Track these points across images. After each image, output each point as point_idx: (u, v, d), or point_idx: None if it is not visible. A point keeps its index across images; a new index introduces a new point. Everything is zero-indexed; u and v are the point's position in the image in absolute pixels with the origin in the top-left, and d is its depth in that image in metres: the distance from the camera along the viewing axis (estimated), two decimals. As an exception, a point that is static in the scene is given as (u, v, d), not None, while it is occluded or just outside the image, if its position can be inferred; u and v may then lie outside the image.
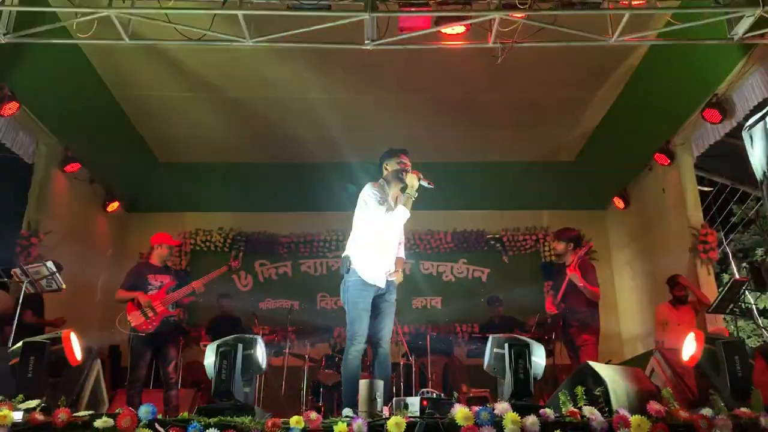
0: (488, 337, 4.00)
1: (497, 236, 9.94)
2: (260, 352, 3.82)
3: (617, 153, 8.41)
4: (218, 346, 3.67)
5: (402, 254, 4.70)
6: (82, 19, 4.94)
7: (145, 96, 7.47)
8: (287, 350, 7.34)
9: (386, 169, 4.62)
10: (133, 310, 5.81)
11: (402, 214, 4.40)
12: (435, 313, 9.45)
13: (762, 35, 5.08)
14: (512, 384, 3.56)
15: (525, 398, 3.54)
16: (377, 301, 4.43)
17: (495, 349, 3.79)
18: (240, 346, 3.68)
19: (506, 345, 3.71)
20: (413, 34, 5.16)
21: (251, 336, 3.86)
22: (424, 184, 4.49)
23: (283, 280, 9.74)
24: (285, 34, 5.08)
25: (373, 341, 4.55)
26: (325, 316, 8.94)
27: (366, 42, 5.10)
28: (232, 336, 3.77)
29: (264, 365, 3.86)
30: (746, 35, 5.01)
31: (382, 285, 4.43)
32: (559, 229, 6.30)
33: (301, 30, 5.04)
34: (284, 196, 9.37)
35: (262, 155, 8.91)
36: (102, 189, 8.98)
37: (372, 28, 5.04)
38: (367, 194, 4.48)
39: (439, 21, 5.13)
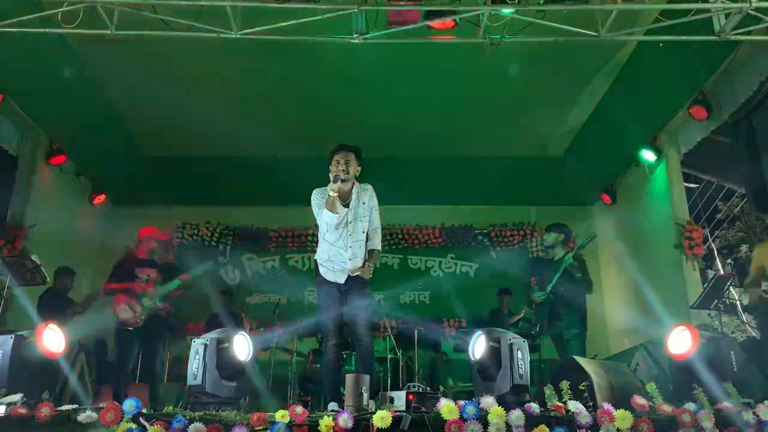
0: (476, 331, 4.03)
1: (485, 231, 9.99)
2: (240, 347, 3.78)
3: (605, 149, 8.44)
4: (195, 343, 3.66)
5: (376, 246, 4.66)
6: (67, 8, 4.88)
7: (132, 88, 7.39)
8: (274, 344, 7.34)
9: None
10: (121, 304, 5.76)
11: (324, 218, 4.43)
12: (423, 307, 9.46)
13: (748, 32, 5.10)
14: (510, 379, 3.55)
15: (523, 394, 3.56)
16: (345, 298, 4.48)
17: (491, 343, 3.78)
18: (217, 342, 3.65)
19: (505, 340, 3.70)
20: (402, 28, 5.14)
21: (233, 330, 3.84)
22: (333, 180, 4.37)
23: (270, 275, 9.71)
24: (272, 26, 5.04)
25: (352, 338, 4.59)
26: (312, 310, 8.90)
27: (354, 36, 5.07)
28: (213, 332, 3.76)
29: (245, 360, 3.82)
30: (733, 32, 5.03)
31: (342, 281, 4.49)
32: (550, 224, 6.51)
33: (288, 23, 5.00)
34: (272, 190, 9.31)
35: (250, 148, 8.84)
36: (88, 182, 8.91)
37: (360, 21, 5.01)
38: (312, 199, 4.57)
39: (428, 15, 5.12)
